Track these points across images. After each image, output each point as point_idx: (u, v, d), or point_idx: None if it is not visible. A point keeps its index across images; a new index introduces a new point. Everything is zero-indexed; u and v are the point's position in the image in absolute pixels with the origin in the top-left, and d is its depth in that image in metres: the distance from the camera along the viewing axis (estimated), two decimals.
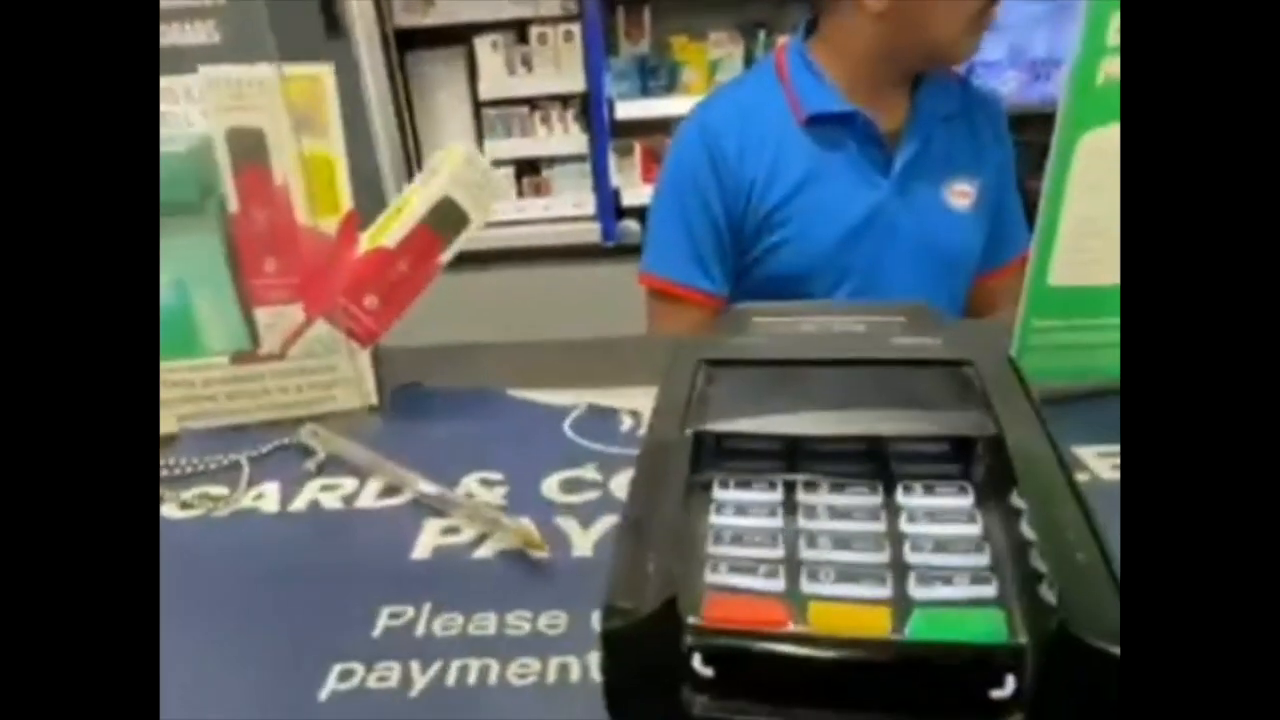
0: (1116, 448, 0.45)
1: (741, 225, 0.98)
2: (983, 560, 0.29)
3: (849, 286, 0.97)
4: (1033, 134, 2.15)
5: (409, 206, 0.53)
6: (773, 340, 0.43)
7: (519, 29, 2.29)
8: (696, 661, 0.27)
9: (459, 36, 2.30)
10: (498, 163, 2.35)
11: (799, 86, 0.98)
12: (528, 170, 2.37)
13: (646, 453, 0.34)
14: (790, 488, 0.34)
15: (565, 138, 2.33)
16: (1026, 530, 0.29)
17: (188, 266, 0.53)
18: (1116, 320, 0.48)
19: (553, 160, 2.37)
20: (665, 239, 1.00)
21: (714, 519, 0.32)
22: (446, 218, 0.53)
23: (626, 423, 0.51)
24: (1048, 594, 0.26)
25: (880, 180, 0.96)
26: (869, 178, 0.96)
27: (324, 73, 0.54)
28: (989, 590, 0.28)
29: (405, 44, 2.29)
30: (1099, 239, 0.47)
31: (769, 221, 0.96)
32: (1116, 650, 0.24)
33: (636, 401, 0.53)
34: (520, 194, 2.36)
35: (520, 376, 0.58)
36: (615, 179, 2.33)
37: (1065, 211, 0.46)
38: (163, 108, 0.55)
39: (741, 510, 0.32)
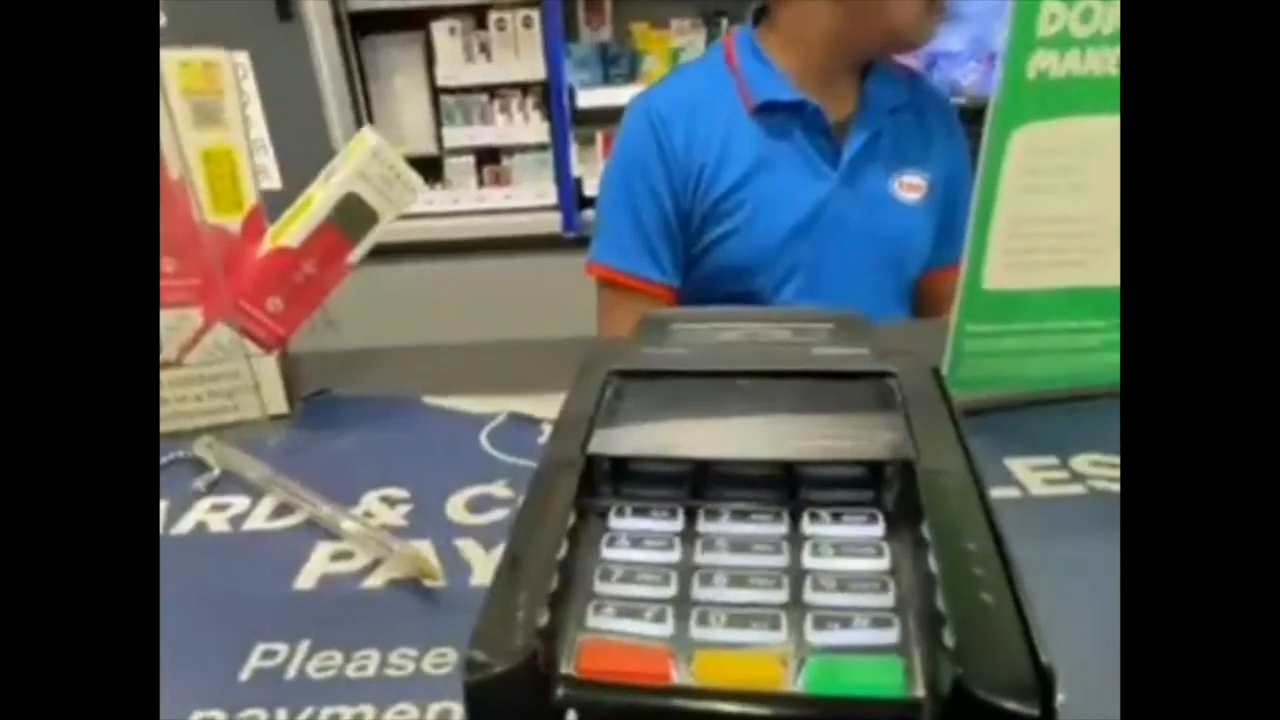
0: (1050, 459, 0.43)
1: (690, 214, 0.96)
2: (886, 600, 0.27)
3: (799, 278, 0.96)
4: None
5: (313, 203, 0.50)
6: (690, 350, 0.41)
7: (477, 15, 2.24)
8: (570, 718, 0.24)
9: (416, 21, 2.25)
10: (456, 151, 2.31)
11: (748, 74, 0.96)
12: (488, 159, 2.33)
13: (539, 475, 0.32)
14: (691, 515, 0.31)
15: (526, 126, 2.29)
16: (932, 565, 0.27)
17: None
18: (1053, 326, 0.46)
19: (513, 149, 2.32)
20: (614, 228, 0.99)
21: (605, 552, 0.29)
22: (353, 215, 0.50)
23: (548, 433, 0.48)
24: (949, 640, 0.24)
25: (829, 171, 0.95)
26: (817, 168, 0.95)
27: (221, 58, 0.50)
28: (890, 635, 0.25)
29: (360, 28, 2.24)
30: (1034, 240, 0.45)
31: (716, 211, 0.95)
32: (1015, 707, 0.21)
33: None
34: (480, 183, 2.32)
35: (442, 382, 0.55)
36: (577, 168, 2.30)
37: (998, 212, 0.44)
38: None
39: (636, 541, 0.30)
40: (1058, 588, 0.27)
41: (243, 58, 0.67)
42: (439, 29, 2.23)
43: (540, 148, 2.31)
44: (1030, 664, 0.22)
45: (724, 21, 2.26)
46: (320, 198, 0.50)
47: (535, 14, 2.20)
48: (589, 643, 0.26)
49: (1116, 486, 0.40)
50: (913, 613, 0.26)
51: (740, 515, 0.31)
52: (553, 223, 2.28)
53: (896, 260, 1.00)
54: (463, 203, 2.24)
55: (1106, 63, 0.41)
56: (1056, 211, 0.44)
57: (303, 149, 1.02)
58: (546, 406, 0.51)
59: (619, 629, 0.26)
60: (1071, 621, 0.27)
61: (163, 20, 0.52)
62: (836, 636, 0.26)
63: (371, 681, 0.31)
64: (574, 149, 2.29)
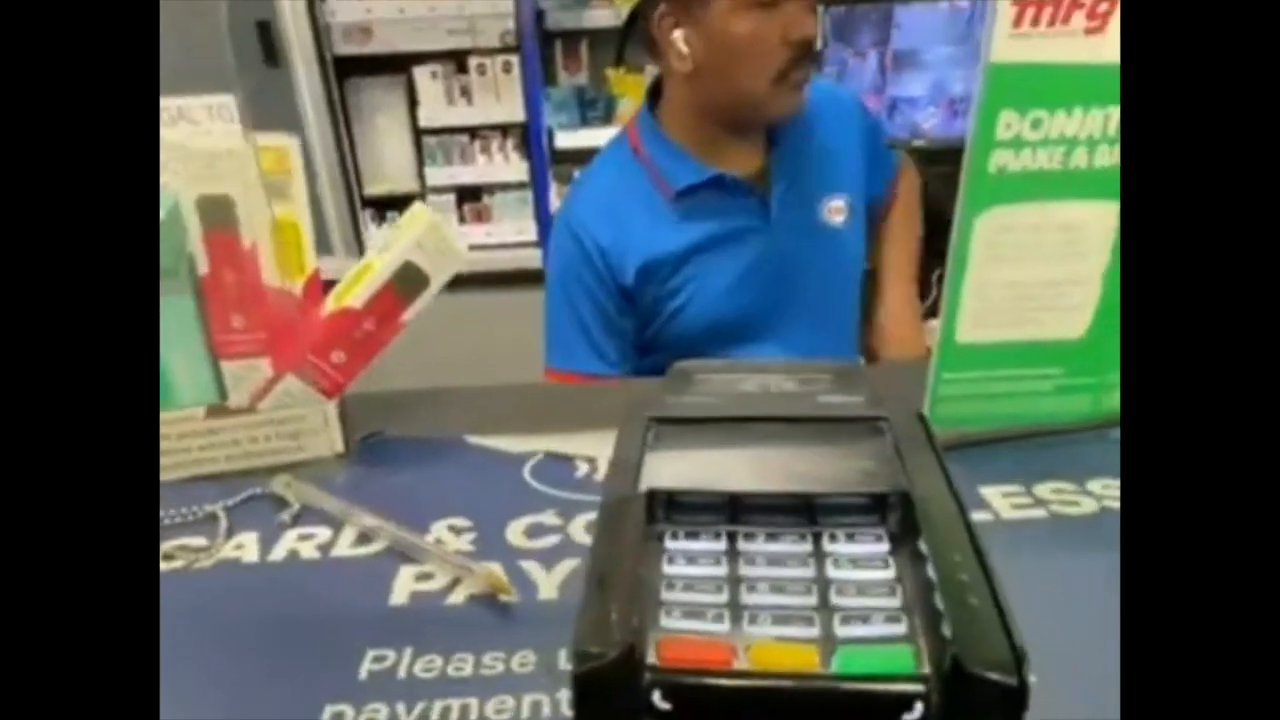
0: (1017, 487, 0.50)
1: (635, 305, 1.02)
2: (895, 602, 0.34)
3: (759, 324, 1.02)
4: (953, 165, 2.27)
5: (374, 269, 0.57)
6: (714, 399, 0.48)
7: (458, 60, 2.32)
8: (656, 698, 0.31)
9: (398, 66, 2.32)
10: (438, 189, 2.38)
11: (659, 163, 1.01)
12: (469, 197, 2.40)
13: (605, 508, 0.39)
14: (732, 537, 0.38)
15: (506, 166, 2.37)
16: (930, 573, 0.34)
17: (162, 325, 0.55)
18: (1016, 372, 0.54)
19: (494, 188, 2.40)
20: (562, 337, 1.04)
21: (666, 568, 0.37)
22: (409, 280, 0.57)
23: (582, 468, 0.55)
24: (946, 630, 0.31)
25: (761, 224, 1.00)
26: (749, 226, 1.00)
27: (291, 145, 0.57)
28: (900, 629, 0.33)
29: (344, 72, 2.31)
30: (996, 302, 0.53)
31: (661, 294, 1.01)
32: (998, 678, 0.29)
33: (589, 448, 0.57)
34: (462, 220, 2.39)
35: (478, 423, 0.62)
36: (556, 206, 2.37)
37: (967, 279, 0.52)
38: None
39: (691, 559, 0.37)
40: (1024, 596, 0.35)
41: (229, 100, 0.72)
42: (421, 73, 2.31)
43: (520, 186, 2.39)
44: (1008, 647, 0.30)
45: None
46: (381, 264, 0.56)
47: (514, 59, 2.29)
48: (664, 640, 0.33)
49: (1073, 510, 0.48)
50: (917, 611, 0.34)
51: (772, 537, 0.38)
52: (533, 258, 2.35)
53: (843, 280, 1.08)
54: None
55: (1053, 159, 0.49)
56: (1015, 278, 0.52)
57: None
58: (577, 445, 0.58)
59: (686, 628, 0.34)
60: (1034, 622, 0.34)
61: None
62: (858, 630, 0.33)
63: (470, 680, 0.38)
64: (553, 187, 2.36)
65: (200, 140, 0.55)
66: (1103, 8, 0.46)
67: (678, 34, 0.94)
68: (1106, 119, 0.48)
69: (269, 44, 2.20)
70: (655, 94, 1.06)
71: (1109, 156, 0.49)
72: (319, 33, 2.23)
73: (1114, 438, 0.54)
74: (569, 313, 1.03)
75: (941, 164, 2.27)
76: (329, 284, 0.60)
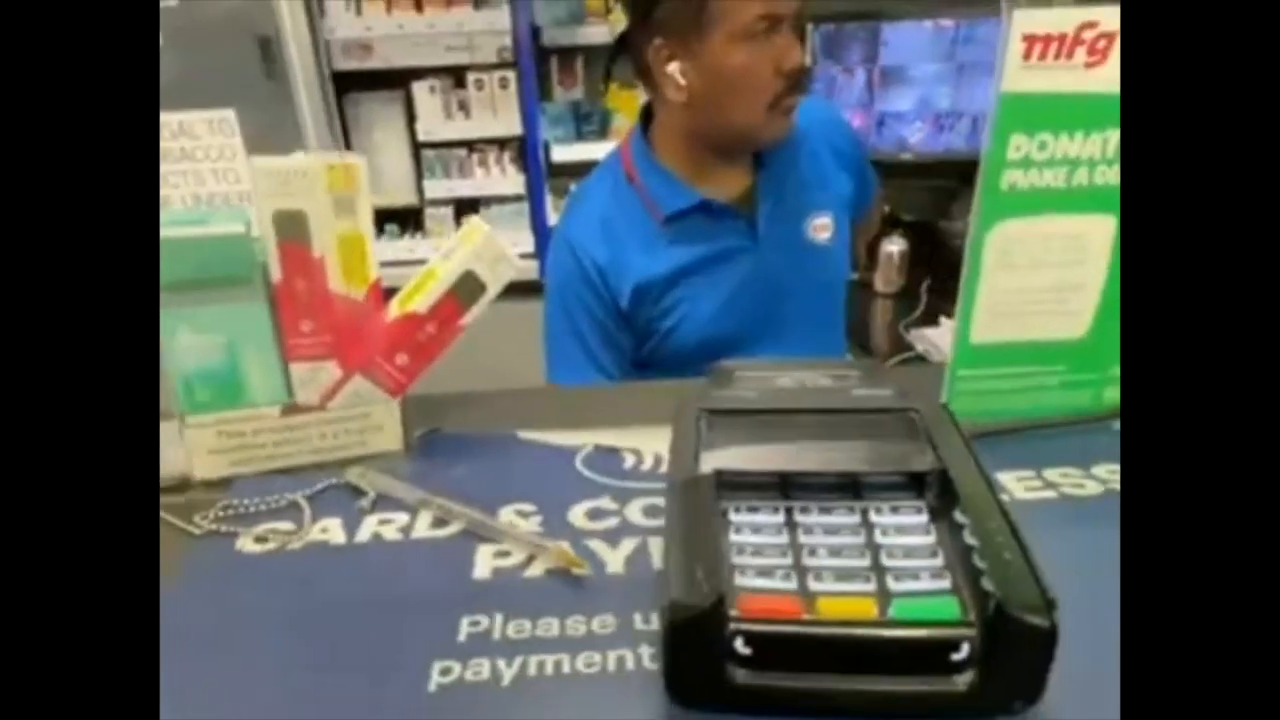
0: (1028, 472, 0.56)
1: (630, 322, 1.06)
2: (938, 562, 0.39)
3: (750, 340, 1.06)
4: (938, 178, 2.33)
5: (436, 277, 0.62)
6: (756, 393, 0.53)
7: (456, 75, 2.37)
8: (739, 644, 0.36)
9: (397, 81, 2.36)
10: (436, 202, 2.42)
11: (650, 188, 1.05)
12: (467, 209, 2.45)
13: (676, 486, 0.44)
14: (789, 511, 0.44)
15: (503, 179, 2.41)
16: (968, 538, 0.40)
17: (238, 330, 0.60)
18: (1026, 369, 0.60)
19: (490, 200, 2.44)
20: (563, 352, 1.08)
21: (734, 537, 0.42)
22: (468, 287, 0.62)
23: (629, 460, 0.60)
24: (987, 584, 0.36)
25: (748, 245, 1.05)
26: (738, 247, 1.05)
27: (358, 163, 0.62)
28: (945, 583, 0.38)
29: (344, 87, 2.35)
30: (1007, 306, 0.58)
31: (654, 314, 1.05)
32: (1035, 620, 0.34)
33: (634, 441, 0.62)
34: None
35: (525, 420, 0.66)
36: (552, 218, 2.42)
37: (981, 285, 0.57)
38: None
39: (755, 530, 0.42)
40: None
41: (229, 114, 0.75)
42: (419, 88, 2.35)
43: (517, 199, 2.43)
44: (1041, 594, 0.35)
45: None
46: (443, 272, 0.61)
47: (511, 75, 2.34)
48: (742, 595, 0.38)
49: (1080, 492, 0.53)
50: (957, 570, 0.39)
51: (825, 510, 0.43)
52: (530, 269, 2.39)
53: (829, 294, 1.13)
54: (443, 251, 2.35)
55: (1057, 178, 0.55)
56: (1023, 284, 0.58)
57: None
58: (622, 439, 0.63)
59: (759, 586, 0.39)
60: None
61: None
62: (909, 585, 0.38)
63: (558, 640, 0.43)
64: (549, 200, 2.41)
65: (278, 161, 0.59)
66: (1102, 44, 0.52)
67: (673, 66, 0.98)
68: (1105, 141, 0.54)
69: (270, 59, 2.24)
70: (647, 117, 1.10)
71: (1107, 175, 0.55)
72: (319, 48, 2.27)
73: (1114, 428, 0.59)
74: (569, 328, 1.07)
75: (928, 177, 2.34)
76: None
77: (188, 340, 0.58)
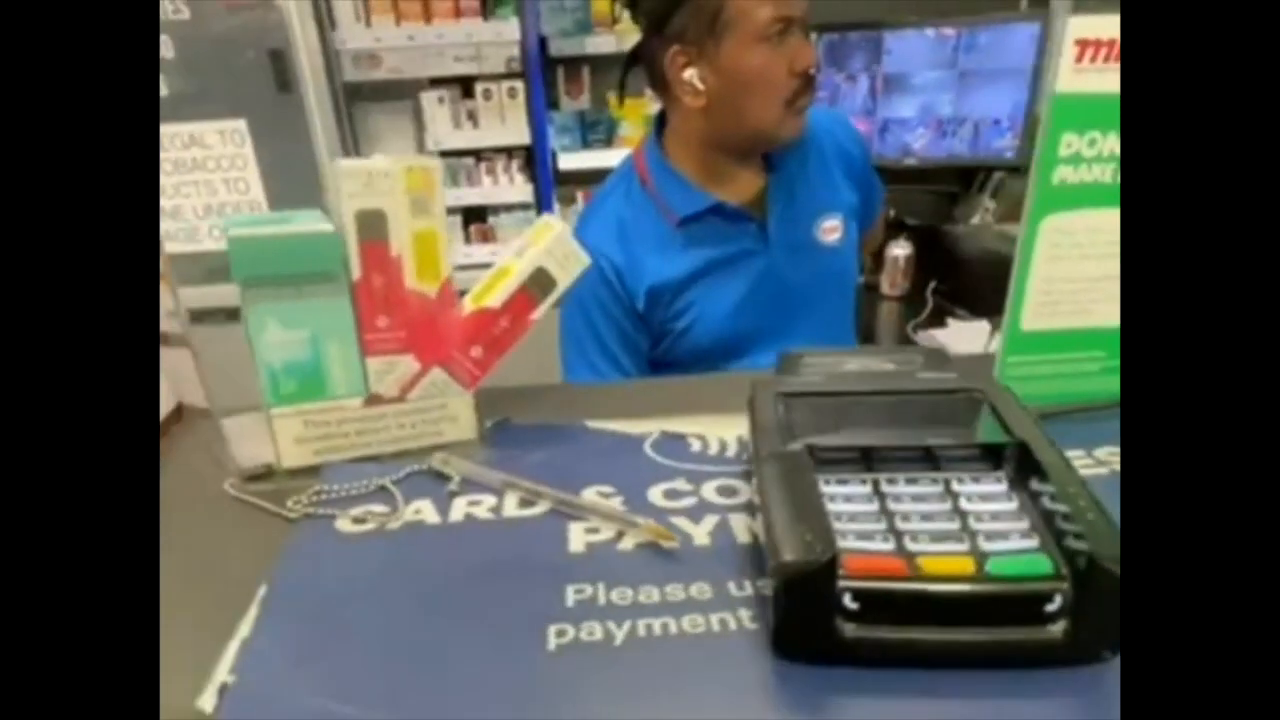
0: (1079, 451, 0.59)
1: (646, 323, 1.09)
2: (1024, 524, 0.43)
3: (762, 340, 1.10)
4: (941, 183, 2.37)
5: (509, 273, 0.64)
6: (825, 377, 0.56)
7: (464, 85, 2.41)
8: (847, 599, 0.39)
9: (406, 91, 2.40)
10: (445, 210, 2.45)
11: (664, 192, 1.08)
12: (475, 218, 2.48)
13: (770, 460, 0.46)
14: (875, 483, 0.47)
15: (511, 187, 2.45)
16: (1047, 503, 0.43)
17: (323, 324, 0.62)
18: (1075, 356, 0.63)
19: (499, 208, 2.48)
20: (582, 355, 1.10)
21: (829, 506, 0.45)
22: (540, 282, 0.65)
23: (695, 445, 0.63)
24: (1074, 542, 0.39)
25: (760, 248, 1.09)
26: (750, 249, 1.08)
27: (434, 165, 0.65)
28: (1034, 543, 0.41)
29: (354, 97, 2.38)
30: (1056, 296, 0.62)
31: (668, 315, 1.08)
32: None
33: (698, 428, 0.65)
34: (468, 240, 2.46)
35: (589, 411, 0.69)
36: None
37: (1031, 276, 0.61)
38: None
39: (848, 499, 0.45)
40: None
41: (242, 124, 0.78)
42: (428, 99, 2.39)
43: (524, 206, 2.47)
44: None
45: None
46: (517, 269, 0.64)
47: (519, 84, 2.37)
48: (846, 555, 0.41)
49: None
50: (1042, 531, 0.42)
51: (910, 481, 0.46)
52: None
53: (838, 294, 1.17)
54: (452, 258, 2.38)
55: (1105, 173, 0.58)
56: (1071, 274, 0.61)
57: (298, 209, 1.13)
58: (686, 425, 0.66)
59: (861, 548, 0.42)
60: None
61: (165, 90, 0.64)
62: (1001, 545, 0.41)
63: (660, 605, 0.45)
64: (556, 207, 2.45)
65: (361, 162, 0.62)
66: None
67: (690, 73, 1.02)
68: None
69: (282, 71, 2.27)
70: (660, 125, 1.13)
71: None
72: (330, 60, 2.30)
73: None
74: (588, 330, 1.09)
75: (931, 182, 2.37)
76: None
77: (276, 335, 0.61)
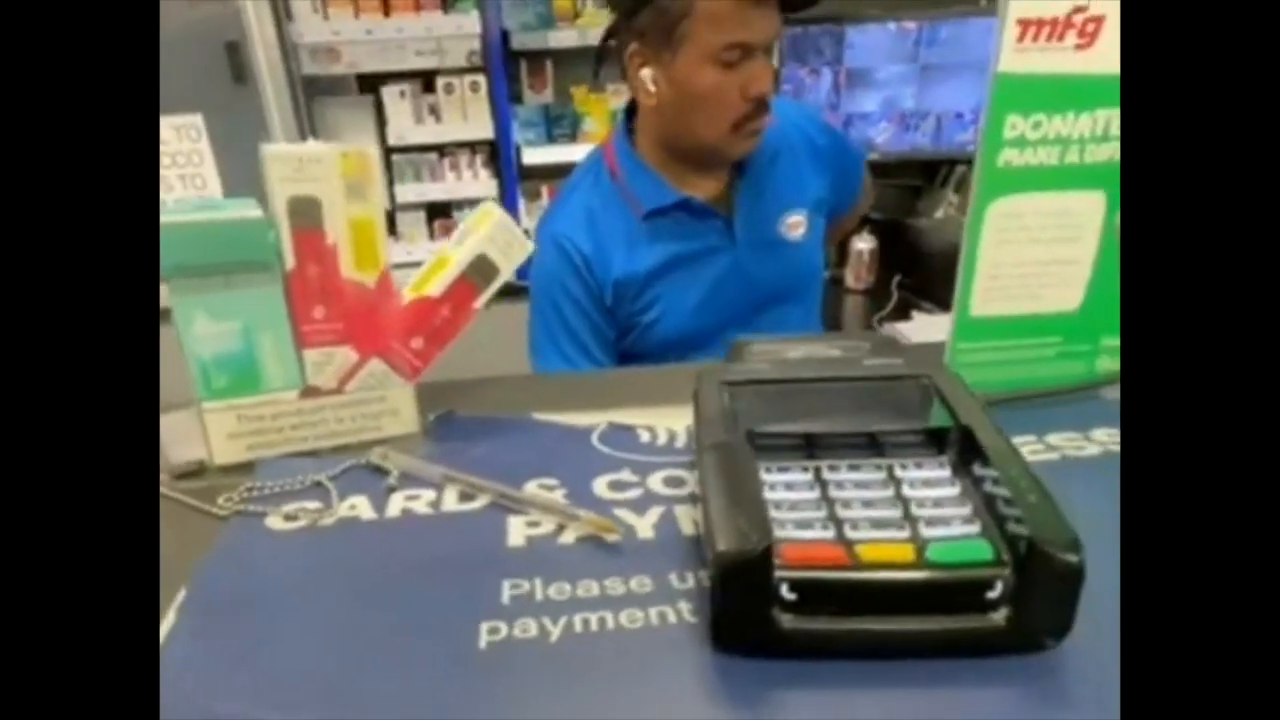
0: (1030, 437, 0.58)
1: (614, 313, 1.09)
2: (966, 510, 0.42)
3: (729, 335, 1.08)
4: (904, 177, 2.38)
5: (449, 262, 0.63)
6: (772, 365, 0.55)
7: (425, 79, 2.37)
8: (784, 589, 0.38)
9: (366, 85, 2.36)
10: (408, 206, 2.42)
11: (632, 185, 1.08)
12: (438, 213, 2.45)
13: (711, 449, 0.45)
14: (818, 470, 0.45)
15: (474, 182, 2.42)
16: (990, 488, 0.42)
17: (255, 316, 0.60)
18: (1026, 341, 0.62)
19: (462, 203, 2.45)
20: (554, 346, 1.09)
21: (769, 494, 0.43)
22: (481, 270, 0.63)
23: (644, 435, 0.62)
24: (1016, 527, 0.38)
25: (726, 244, 1.08)
26: (715, 246, 1.08)
27: (370, 150, 0.63)
28: (975, 528, 0.40)
29: (313, 91, 2.34)
30: (1004, 280, 0.61)
31: (634, 309, 1.08)
32: (1068, 557, 0.36)
33: (647, 419, 0.63)
34: (432, 236, 2.43)
35: (536, 403, 0.67)
36: (525, 221, 2.43)
37: (979, 260, 0.60)
38: None
39: (789, 486, 0.44)
40: None
41: (198, 119, 0.76)
42: (389, 93, 2.35)
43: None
44: (1068, 534, 0.37)
45: None
46: (457, 256, 0.62)
47: (481, 78, 2.35)
48: (784, 545, 0.39)
49: (1081, 453, 0.56)
50: (984, 516, 0.41)
51: (852, 467, 0.45)
52: None
53: (802, 287, 1.17)
54: (415, 254, 2.35)
55: (1050, 156, 0.58)
56: (1019, 259, 0.61)
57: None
58: (635, 417, 0.64)
59: (799, 536, 0.40)
60: None
61: None
62: (942, 531, 0.40)
63: (599, 599, 0.44)
64: (521, 203, 2.42)
65: (291, 147, 0.60)
66: (1091, 27, 0.55)
67: (645, 72, 1.01)
68: (1094, 121, 0.57)
69: (238, 63, 2.23)
70: (631, 113, 1.12)
71: (1097, 153, 0.58)
72: (287, 53, 2.26)
73: (1108, 396, 0.62)
74: (558, 321, 1.08)
75: (894, 176, 2.39)
76: None
77: (205, 327, 0.59)
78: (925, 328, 1.76)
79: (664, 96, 1.01)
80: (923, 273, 2.02)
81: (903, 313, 1.89)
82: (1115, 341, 0.63)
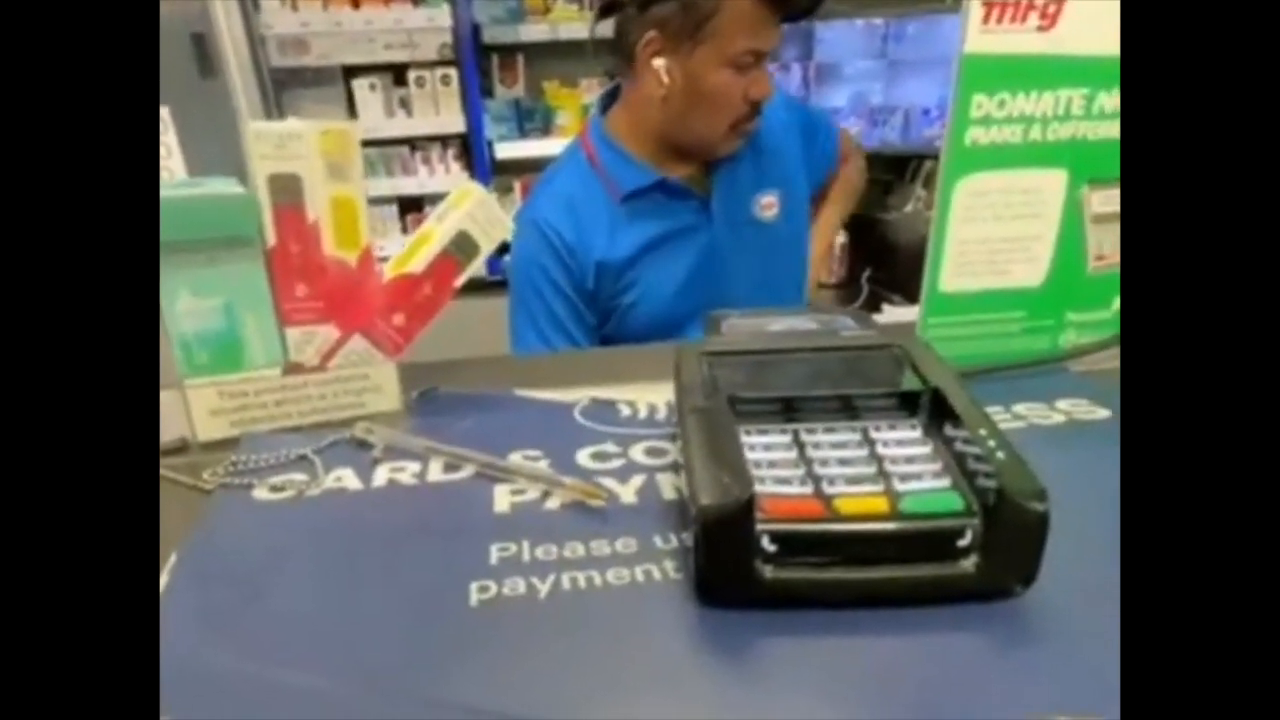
0: (998, 408, 0.60)
1: (595, 297, 1.11)
2: (937, 465, 0.43)
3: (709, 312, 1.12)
4: (874, 172, 2.42)
5: (431, 238, 0.63)
6: (751, 336, 0.57)
7: (396, 72, 2.37)
8: (765, 541, 0.39)
9: (336, 77, 2.35)
10: (380, 200, 2.41)
11: (610, 169, 1.10)
12: (411, 207, 2.44)
13: (694, 413, 0.46)
14: (795, 433, 0.47)
15: (446, 176, 2.42)
16: (960, 446, 0.43)
17: (237, 292, 0.60)
18: (995, 316, 0.65)
19: (435, 198, 2.44)
20: (535, 325, 1.11)
21: (749, 455, 0.45)
22: (463, 247, 0.64)
23: (625, 410, 0.63)
24: (985, 480, 0.40)
25: (703, 224, 1.11)
26: (693, 225, 1.11)
27: (351, 127, 0.63)
28: (946, 482, 0.42)
29: (282, 84, 2.32)
30: (972, 256, 0.63)
31: (615, 291, 1.10)
32: (1035, 505, 0.38)
33: (629, 394, 0.65)
34: (404, 230, 2.42)
35: (518, 381, 0.68)
36: None
37: (948, 236, 0.62)
38: None
39: (768, 448, 0.45)
40: None
41: (165, 112, 0.76)
42: (359, 85, 2.34)
43: None
44: (1034, 485, 0.39)
45: None
46: (438, 233, 0.63)
47: (453, 72, 2.35)
48: (765, 499, 0.41)
49: (1047, 422, 0.58)
50: (954, 471, 0.43)
51: (829, 430, 0.47)
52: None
53: (779, 267, 1.19)
54: (388, 249, 2.33)
55: (1015, 134, 0.60)
56: (987, 235, 0.63)
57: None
58: (617, 393, 0.66)
59: (779, 491, 0.42)
60: None
61: None
62: (915, 485, 0.42)
63: (585, 559, 0.45)
64: (494, 198, 2.42)
65: (272, 125, 0.60)
66: (1052, 9, 0.57)
67: (659, 62, 1.03)
68: (1056, 100, 0.59)
69: (204, 56, 2.20)
70: (607, 102, 1.15)
71: (1060, 131, 0.60)
72: (255, 45, 2.24)
73: (1072, 369, 0.64)
74: (538, 302, 1.10)
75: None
76: None
77: (187, 303, 0.59)
78: (895, 320, 1.80)
79: (674, 88, 1.04)
80: (892, 266, 2.06)
81: (873, 306, 1.93)
82: (1078, 316, 0.66)
